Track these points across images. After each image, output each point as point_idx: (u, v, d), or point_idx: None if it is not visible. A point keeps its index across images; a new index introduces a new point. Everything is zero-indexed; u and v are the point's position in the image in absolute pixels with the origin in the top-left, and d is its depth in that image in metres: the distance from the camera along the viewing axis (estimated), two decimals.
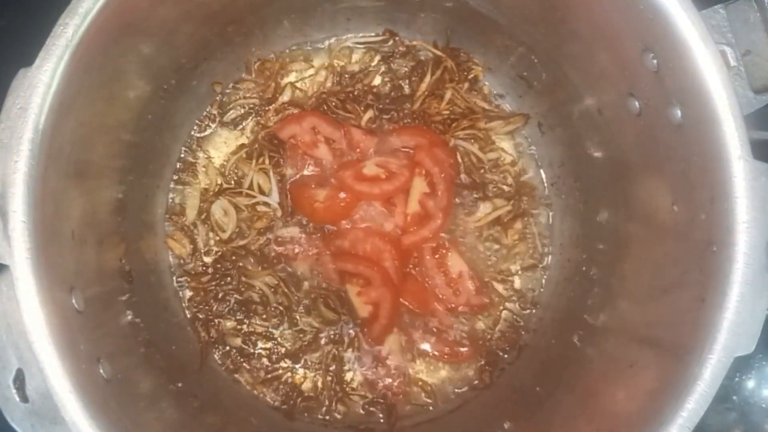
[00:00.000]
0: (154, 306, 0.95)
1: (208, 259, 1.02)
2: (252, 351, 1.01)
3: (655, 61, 0.69)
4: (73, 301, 0.69)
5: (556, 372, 0.89)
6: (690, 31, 0.65)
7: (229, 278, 1.01)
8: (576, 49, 0.84)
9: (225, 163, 1.04)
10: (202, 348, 1.00)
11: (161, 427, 0.75)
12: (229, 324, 1.01)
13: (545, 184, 1.05)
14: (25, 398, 0.65)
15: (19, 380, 0.66)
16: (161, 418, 0.77)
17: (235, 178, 1.04)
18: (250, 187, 1.02)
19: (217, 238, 1.02)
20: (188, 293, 1.02)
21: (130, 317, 0.85)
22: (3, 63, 0.69)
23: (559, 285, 1.01)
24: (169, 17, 0.80)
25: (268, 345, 1.01)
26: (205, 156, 1.05)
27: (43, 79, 0.64)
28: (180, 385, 0.87)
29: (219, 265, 1.02)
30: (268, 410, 0.99)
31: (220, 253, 1.02)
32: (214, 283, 1.01)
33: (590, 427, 0.74)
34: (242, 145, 1.05)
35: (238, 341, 1.01)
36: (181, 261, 1.02)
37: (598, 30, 0.76)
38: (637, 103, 0.75)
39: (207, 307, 1.01)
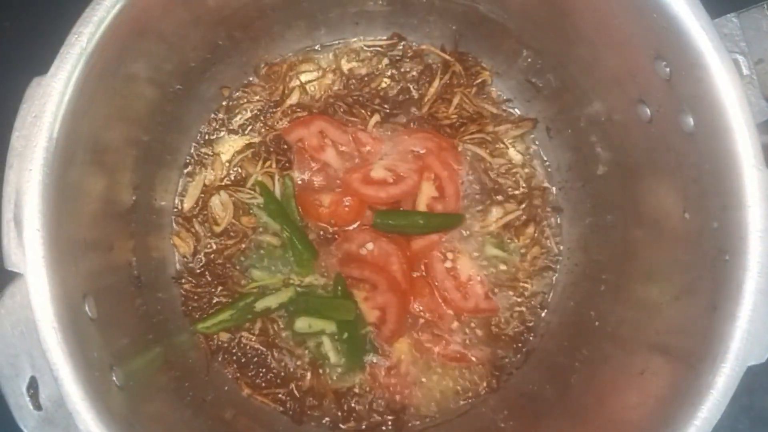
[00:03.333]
0: (163, 310, 0.95)
1: (204, 260, 1.02)
2: (250, 360, 1.01)
3: (667, 69, 0.69)
4: (86, 308, 0.69)
5: (564, 377, 0.89)
6: (703, 39, 0.65)
7: (221, 287, 1.01)
8: (585, 55, 0.84)
9: (231, 159, 1.04)
10: (206, 354, 1.00)
11: None
12: (224, 336, 1.01)
13: (553, 189, 1.05)
14: (38, 406, 0.65)
15: (33, 388, 0.66)
16: (172, 424, 0.77)
17: (240, 177, 1.04)
18: (253, 188, 1.02)
19: (210, 233, 1.02)
20: (188, 296, 1.01)
21: (139, 322, 0.85)
22: (15, 72, 0.69)
23: (567, 289, 1.01)
24: (179, 23, 0.80)
25: (265, 356, 1.00)
26: (213, 153, 1.05)
27: (57, 87, 0.64)
28: (190, 389, 0.88)
29: (211, 269, 1.02)
30: (277, 414, 0.99)
31: (212, 255, 1.02)
32: (209, 288, 1.01)
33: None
34: (249, 144, 1.05)
35: (235, 350, 1.01)
36: (186, 259, 1.02)
37: (609, 36, 0.76)
38: (648, 110, 0.76)
39: (203, 313, 1.01)
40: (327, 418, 1.00)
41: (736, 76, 0.65)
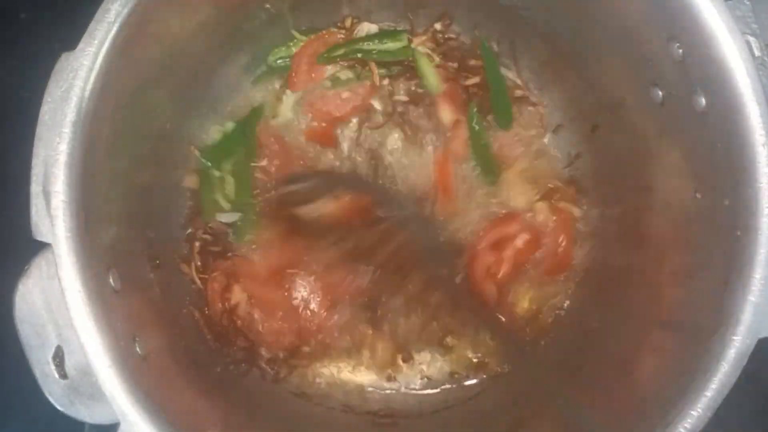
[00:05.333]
0: (180, 292, 0.96)
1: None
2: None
3: (680, 51, 0.70)
4: (111, 280, 0.70)
5: (576, 359, 0.90)
6: (716, 20, 0.67)
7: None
8: (600, 41, 0.85)
9: None
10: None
11: (193, 402, 0.77)
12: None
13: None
14: (63, 374, 0.67)
15: (58, 357, 0.67)
16: (192, 395, 0.79)
17: None
18: None
19: None
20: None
21: (159, 300, 0.87)
22: (45, 47, 0.70)
23: (578, 275, 1.02)
24: (202, 4, 0.81)
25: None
26: None
27: (85, 62, 0.66)
28: (206, 367, 0.89)
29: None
30: (290, 396, 1.00)
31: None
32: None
33: (613, 410, 0.75)
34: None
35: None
36: None
37: (624, 20, 0.78)
38: (660, 93, 0.77)
39: None
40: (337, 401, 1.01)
41: (748, 56, 0.66)
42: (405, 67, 1.03)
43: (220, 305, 0.98)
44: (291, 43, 1.03)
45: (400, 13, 1.05)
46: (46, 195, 0.65)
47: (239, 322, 0.99)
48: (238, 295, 0.99)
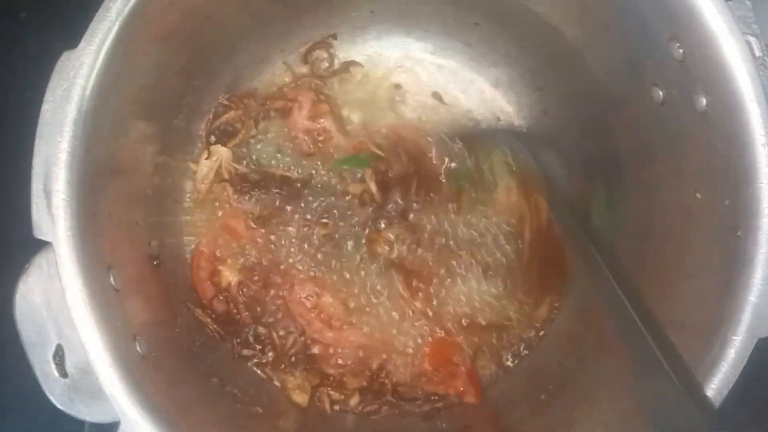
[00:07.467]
0: (180, 289, 0.96)
1: None
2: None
3: (680, 51, 0.70)
4: (111, 279, 0.70)
5: (577, 356, 0.90)
6: (717, 21, 0.67)
7: None
8: (600, 40, 0.85)
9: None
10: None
11: (193, 401, 0.77)
12: None
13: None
14: (64, 373, 0.67)
15: (59, 356, 0.67)
16: (193, 394, 0.79)
17: None
18: None
19: None
20: None
21: (159, 300, 0.87)
22: (46, 45, 0.70)
23: (577, 274, 1.02)
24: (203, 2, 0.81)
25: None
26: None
27: (86, 61, 0.66)
28: (207, 365, 0.89)
29: None
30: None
31: None
32: None
33: (615, 408, 0.75)
34: None
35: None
36: None
37: (623, 20, 0.78)
38: (660, 92, 0.77)
39: None
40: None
41: (749, 56, 0.66)
42: None
43: (212, 290, 0.99)
44: None
45: None
46: (47, 194, 0.65)
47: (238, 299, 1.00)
48: (227, 276, 1.00)
